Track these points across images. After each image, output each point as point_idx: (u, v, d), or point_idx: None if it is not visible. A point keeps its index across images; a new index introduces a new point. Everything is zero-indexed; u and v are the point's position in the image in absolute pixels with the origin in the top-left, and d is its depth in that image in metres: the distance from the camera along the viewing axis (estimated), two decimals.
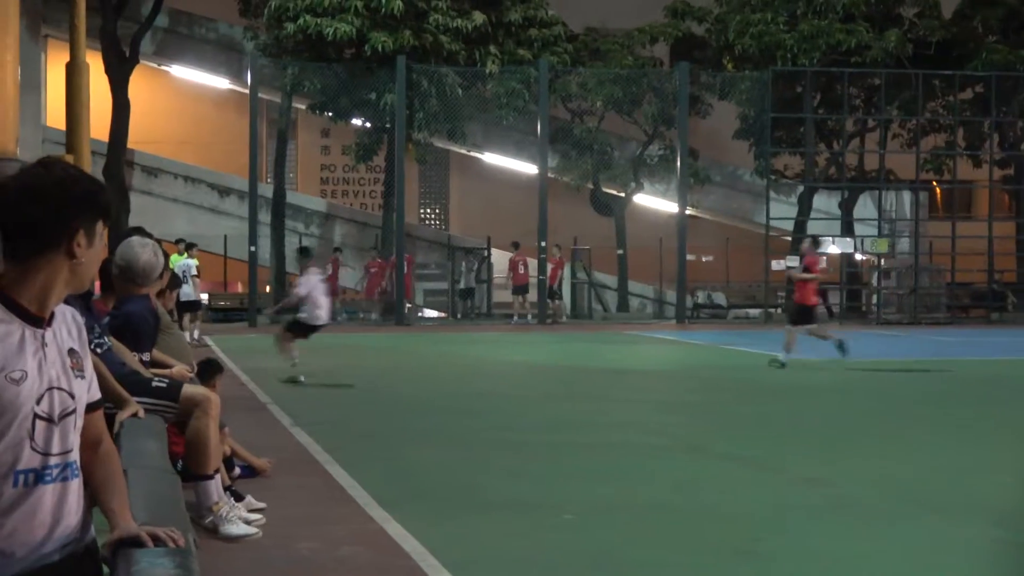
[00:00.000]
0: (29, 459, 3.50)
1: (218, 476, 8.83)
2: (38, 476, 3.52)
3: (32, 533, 3.51)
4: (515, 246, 40.77)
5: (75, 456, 3.63)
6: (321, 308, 20.02)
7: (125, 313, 8.76)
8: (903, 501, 10.54)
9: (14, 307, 3.52)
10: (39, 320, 3.55)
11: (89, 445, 3.77)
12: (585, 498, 10.51)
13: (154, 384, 8.27)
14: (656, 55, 46.04)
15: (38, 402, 3.50)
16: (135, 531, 3.70)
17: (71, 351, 3.65)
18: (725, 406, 17.76)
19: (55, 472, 3.55)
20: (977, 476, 11.84)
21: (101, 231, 3.60)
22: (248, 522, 8.92)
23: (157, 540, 3.69)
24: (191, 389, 8.39)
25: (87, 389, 3.71)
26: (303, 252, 24.14)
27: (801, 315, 23.29)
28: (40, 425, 3.51)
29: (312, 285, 20.23)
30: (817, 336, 23.32)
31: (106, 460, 3.86)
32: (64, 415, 3.57)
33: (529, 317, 39.47)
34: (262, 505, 9.60)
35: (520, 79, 40.53)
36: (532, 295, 39.85)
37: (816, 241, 25.38)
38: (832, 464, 12.36)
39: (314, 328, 20.36)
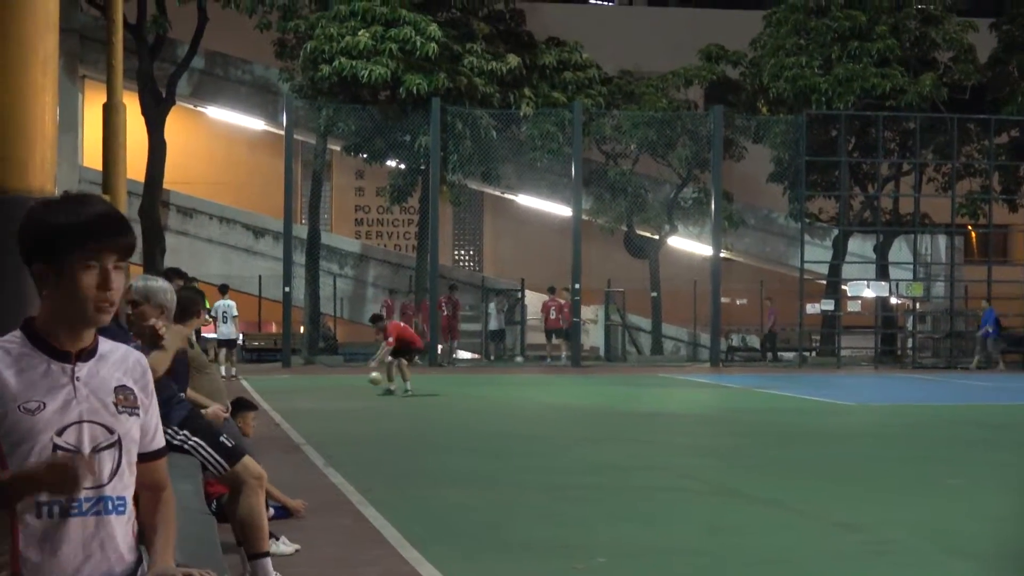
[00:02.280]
0: None
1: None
2: (63, 509, 3.52)
3: (59, 567, 3.51)
4: (550, 290, 40.87)
5: (116, 491, 3.61)
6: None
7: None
8: (940, 548, 10.45)
9: (38, 341, 3.56)
10: (66, 355, 3.56)
11: (149, 488, 3.80)
12: (617, 541, 10.47)
13: (221, 439, 8.19)
14: (690, 98, 46.05)
15: (59, 433, 3.51)
16: (171, 571, 3.69)
17: (120, 387, 3.66)
18: (759, 450, 17.68)
19: (85, 506, 3.54)
20: (1014, 523, 11.74)
21: (105, 265, 3.56)
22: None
23: None
24: (249, 462, 8.25)
25: (143, 430, 3.73)
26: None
27: None
28: None
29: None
30: None
31: (163, 506, 3.87)
32: (99, 449, 3.57)
33: (563, 358, 39.54)
34: (296, 546, 9.59)
35: (554, 121, 40.61)
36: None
37: None
38: (868, 509, 12.28)
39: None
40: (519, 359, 41.71)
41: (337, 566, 9.27)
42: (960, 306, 42.73)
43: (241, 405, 11.82)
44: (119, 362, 3.70)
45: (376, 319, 27.17)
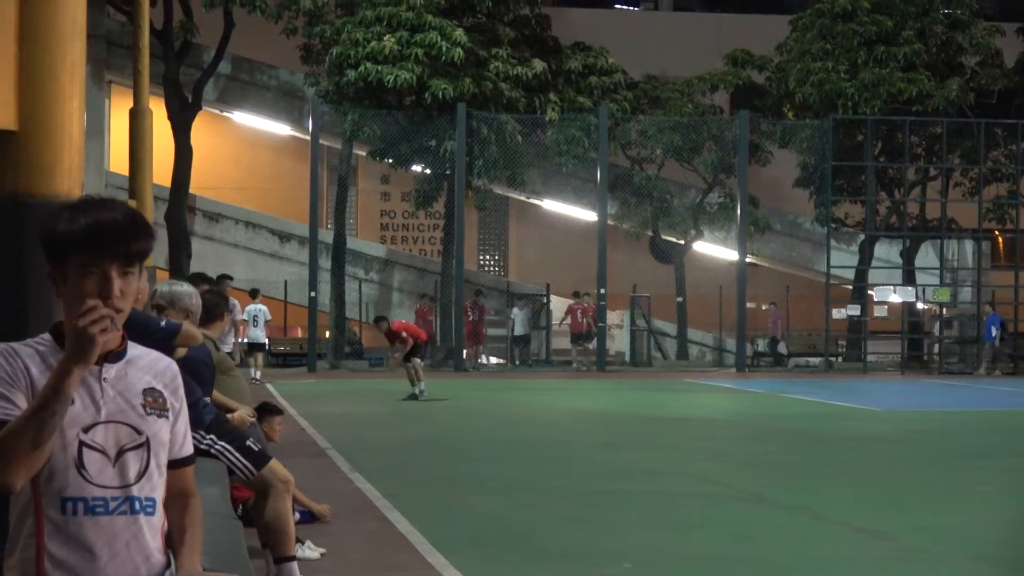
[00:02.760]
0: (78, 488, 3.53)
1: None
2: (87, 507, 3.54)
3: (84, 564, 3.53)
4: (576, 295, 40.90)
5: (143, 492, 3.63)
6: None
7: (184, 359, 8.75)
8: (967, 555, 10.41)
9: (62, 339, 3.57)
10: None
11: (177, 495, 3.82)
12: (643, 547, 10.45)
13: (248, 443, 8.19)
14: (716, 103, 46.01)
15: (86, 431, 3.53)
16: (198, 575, 3.71)
17: (149, 390, 3.68)
18: (785, 455, 17.63)
19: (111, 505, 3.56)
20: None
21: (107, 271, 3.55)
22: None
23: None
24: (276, 465, 8.25)
25: (172, 435, 3.75)
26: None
27: None
28: (91, 455, 3.54)
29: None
30: None
31: (190, 512, 3.90)
32: (126, 449, 3.60)
33: (584, 366, 39.58)
34: (321, 551, 9.60)
35: (580, 126, 40.61)
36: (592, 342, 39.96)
37: None
38: (894, 516, 12.24)
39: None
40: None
41: (363, 570, 9.28)
42: (987, 311, 42.56)
43: (267, 409, 11.83)
44: (148, 366, 3.72)
45: (379, 320, 27.20)
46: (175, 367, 3.84)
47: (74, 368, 3.38)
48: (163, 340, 6.97)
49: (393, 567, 9.51)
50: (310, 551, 9.56)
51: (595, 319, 39.62)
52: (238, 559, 4.40)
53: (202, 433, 7.80)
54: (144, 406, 3.66)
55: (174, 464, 3.77)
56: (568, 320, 41.58)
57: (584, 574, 9.39)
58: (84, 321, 3.37)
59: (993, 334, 39.32)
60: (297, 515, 10.75)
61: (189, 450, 3.86)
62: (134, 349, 3.72)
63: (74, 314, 3.46)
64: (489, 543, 10.59)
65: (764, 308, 44.80)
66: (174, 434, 3.77)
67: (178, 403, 3.79)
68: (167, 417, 3.72)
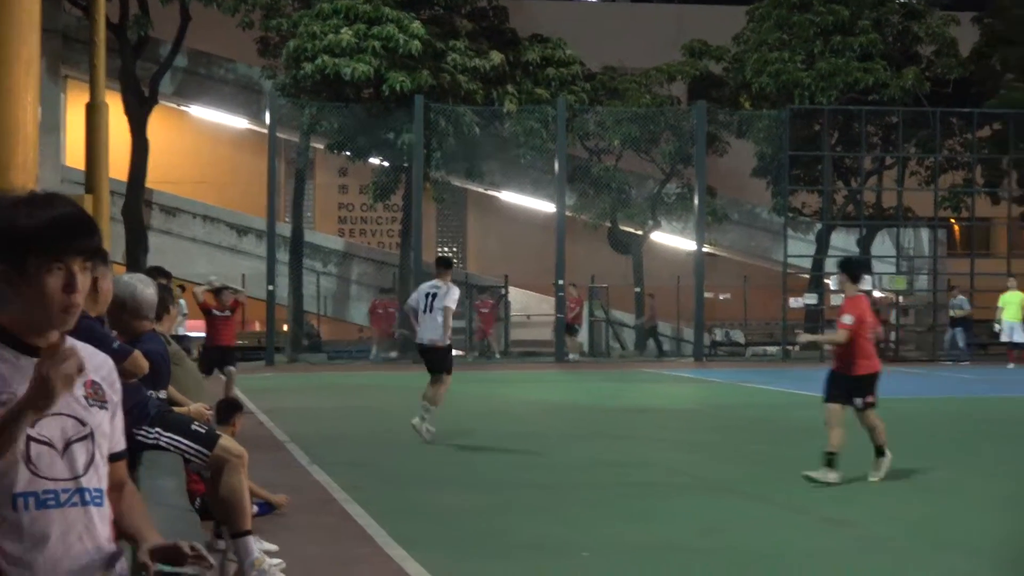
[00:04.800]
0: (28, 483, 3.50)
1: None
2: (39, 501, 3.52)
3: (39, 559, 3.51)
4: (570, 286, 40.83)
5: (91, 483, 3.62)
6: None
7: (144, 351, 8.70)
8: (931, 543, 10.46)
9: (7, 338, 3.55)
10: (35, 350, 3.54)
11: (114, 487, 3.79)
12: (606, 538, 10.46)
13: (193, 427, 8.16)
14: (674, 94, 46.06)
15: (33, 425, 3.49)
16: (165, 543, 3.71)
17: (90, 382, 3.66)
18: (746, 445, 17.68)
19: (62, 497, 3.55)
20: (1003, 514, 11.77)
21: (71, 267, 3.52)
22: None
23: (192, 550, 3.69)
24: (228, 442, 8.24)
25: (111, 425, 3.72)
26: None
27: None
28: (39, 449, 3.52)
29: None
30: None
31: (129, 495, 3.91)
32: (72, 441, 3.58)
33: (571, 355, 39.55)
34: (273, 547, 9.52)
35: (538, 118, 40.59)
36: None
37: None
38: (857, 504, 12.29)
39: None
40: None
41: (322, 564, 9.25)
42: (943, 299, 42.79)
43: (230, 405, 11.81)
44: (87, 359, 3.68)
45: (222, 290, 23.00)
46: (111, 363, 3.82)
47: (31, 414, 3.37)
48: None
49: (352, 560, 9.48)
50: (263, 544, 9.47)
51: (579, 310, 39.78)
52: None
53: (147, 428, 7.78)
54: (86, 398, 3.65)
55: (111, 458, 3.75)
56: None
57: (547, 565, 9.38)
58: (49, 370, 3.35)
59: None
60: (256, 508, 10.73)
61: (123, 445, 3.84)
62: (71, 342, 3.69)
63: (40, 309, 3.45)
64: (450, 536, 10.57)
65: (722, 299, 44.92)
66: (113, 428, 3.76)
67: (116, 397, 3.77)
68: (107, 409, 3.71)
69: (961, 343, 39.36)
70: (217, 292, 21.31)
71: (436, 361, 18.40)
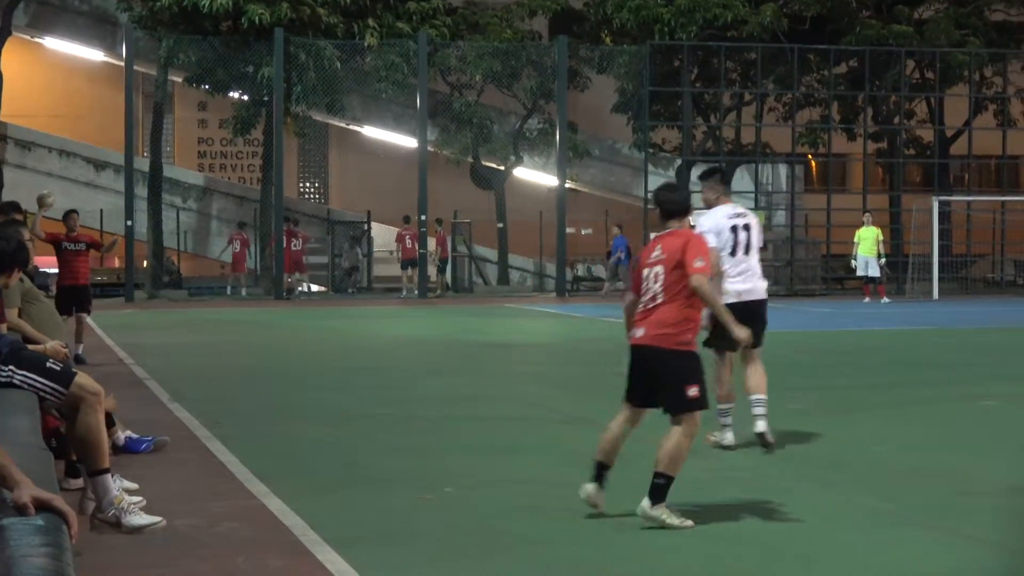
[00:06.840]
0: None
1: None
2: None
3: None
4: (405, 220, 40.50)
5: None
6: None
7: None
8: (789, 474, 10.64)
9: None
10: None
11: None
12: (468, 472, 10.49)
13: (48, 365, 7.99)
14: (535, 29, 46.08)
15: None
16: (58, 502, 3.68)
17: None
18: (609, 379, 17.75)
19: None
20: (857, 445, 12.01)
21: None
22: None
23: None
24: (84, 379, 8.08)
25: None
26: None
27: None
28: None
29: None
30: None
31: None
32: None
33: (416, 292, 39.42)
34: (133, 485, 9.40)
35: (399, 52, 40.35)
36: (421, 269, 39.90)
37: None
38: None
39: None
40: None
41: (182, 501, 9.17)
42: (801, 234, 43.42)
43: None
44: None
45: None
46: None
47: None
48: None
49: (214, 496, 9.42)
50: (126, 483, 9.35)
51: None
52: (49, 491, 4.33)
53: (0, 366, 7.64)
54: None
55: None
56: (399, 247, 41.20)
57: (407, 499, 9.39)
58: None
59: (621, 257, 40.21)
60: (144, 444, 10.70)
61: None
62: None
63: None
64: (311, 471, 10.54)
65: (584, 234, 45.15)
66: None
67: None
68: None
69: None
70: (65, 217, 19.69)
71: None
